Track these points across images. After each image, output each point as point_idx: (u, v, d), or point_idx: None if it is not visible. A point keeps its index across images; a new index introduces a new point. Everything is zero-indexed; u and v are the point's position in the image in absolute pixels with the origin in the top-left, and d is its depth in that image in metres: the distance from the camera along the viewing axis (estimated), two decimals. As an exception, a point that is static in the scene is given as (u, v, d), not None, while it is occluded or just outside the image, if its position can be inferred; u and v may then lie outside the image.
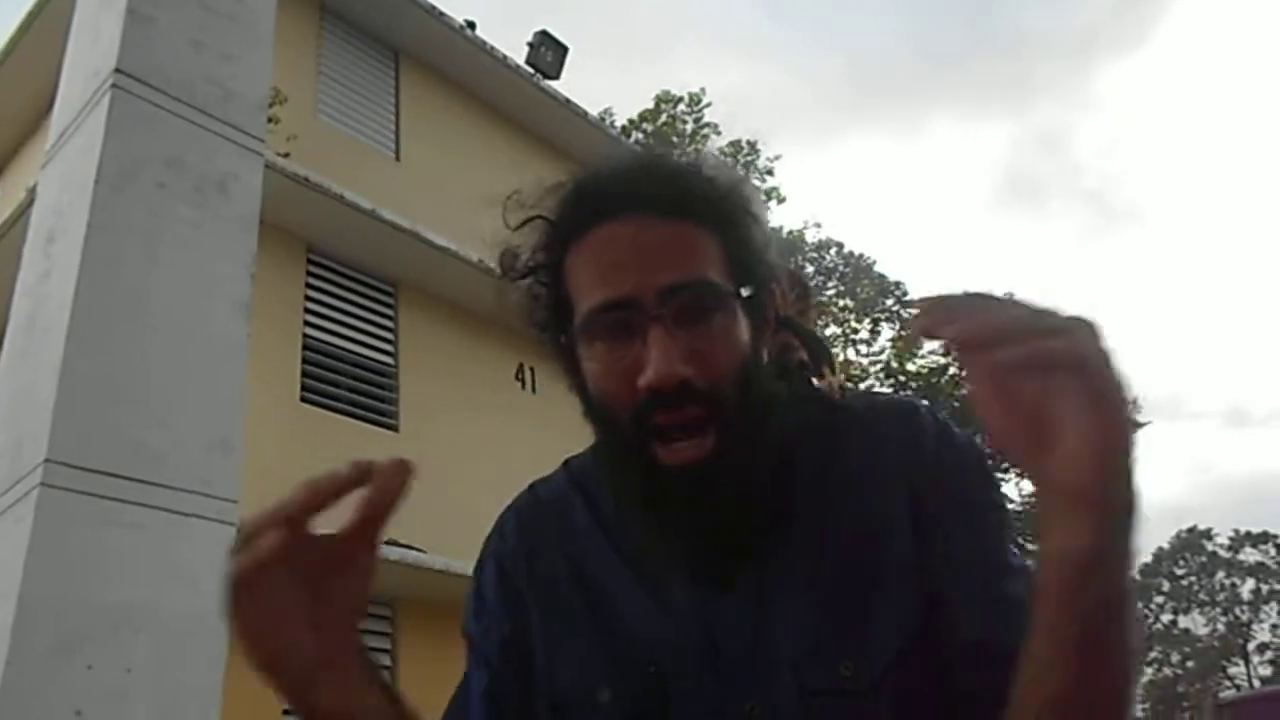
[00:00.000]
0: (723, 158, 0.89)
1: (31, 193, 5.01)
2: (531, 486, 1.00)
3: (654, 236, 0.81)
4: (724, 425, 0.79)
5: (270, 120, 5.46)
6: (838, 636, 0.79)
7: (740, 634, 0.81)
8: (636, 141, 16.98)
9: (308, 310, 6.62)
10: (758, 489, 0.82)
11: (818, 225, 21.80)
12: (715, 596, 0.83)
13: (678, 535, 0.83)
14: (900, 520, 0.82)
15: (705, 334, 0.80)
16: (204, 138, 3.55)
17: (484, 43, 8.68)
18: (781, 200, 20.76)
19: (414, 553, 5.89)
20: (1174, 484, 62.46)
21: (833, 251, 21.15)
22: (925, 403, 0.93)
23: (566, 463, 0.99)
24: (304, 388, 6.34)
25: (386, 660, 6.08)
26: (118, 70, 3.37)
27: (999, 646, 0.72)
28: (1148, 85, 69.41)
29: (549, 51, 9.47)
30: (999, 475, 0.76)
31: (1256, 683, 35.74)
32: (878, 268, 21.07)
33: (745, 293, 0.83)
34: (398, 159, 7.98)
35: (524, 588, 0.92)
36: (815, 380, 0.88)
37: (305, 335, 6.50)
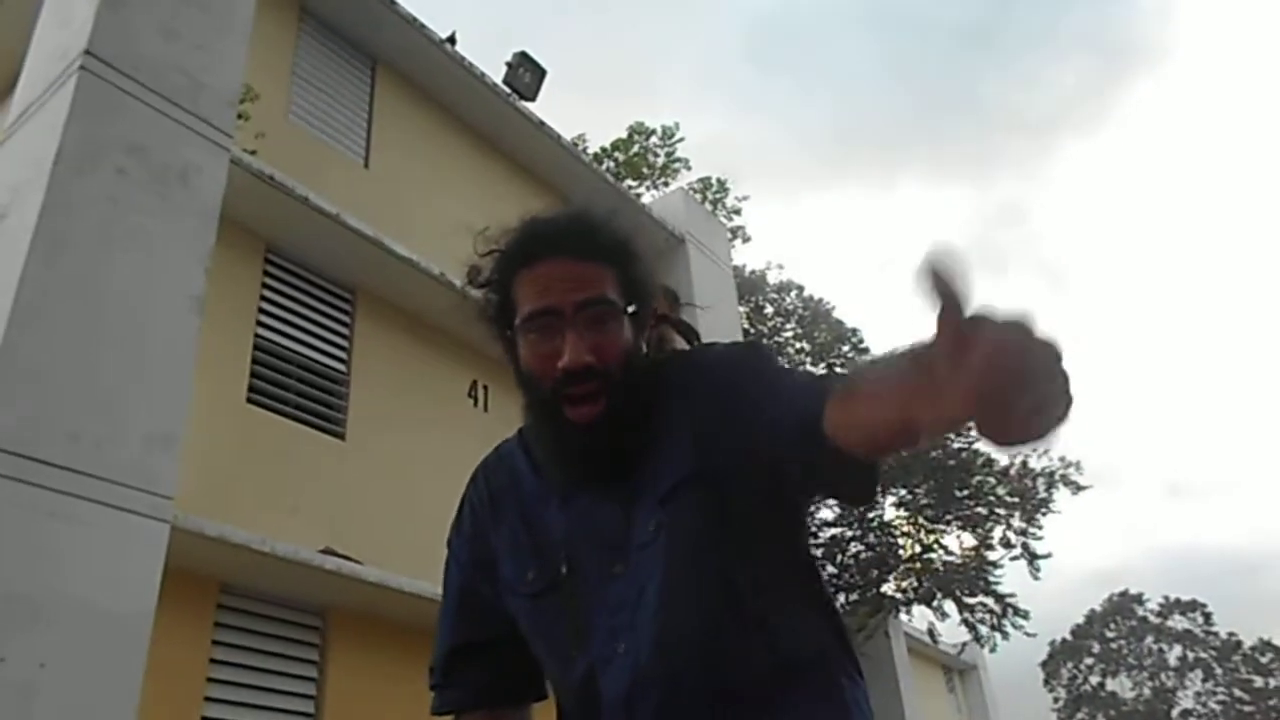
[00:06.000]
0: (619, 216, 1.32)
1: (-14, 169, 4.89)
2: (498, 447, 1.45)
3: (573, 271, 1.23)
4: (611, 395, 1.21)
5: (240, 116, 5.39)
6: (654, 508, 1.22)
7: (614, 524, 1.24)
8: (607, 169, 16.99)
9: (261, 310, 6.51)
10: (632, 434, 1.23)
11: (780, 267, 21.96)
12: (600, 502, 1.26)
13: (577, 464, 1.26)
14: (689, 423, 1.24)
15: (603, 334, 1.22)
16: (170, 127, 3.49)
17: (462, 58, 8.67)
18: (746, 240, 20.89)
19: (349, 563, 5.80)
20: (1109, 549, 63.42)
21: (793, 294, 21.27)
22: (726, 341, 1.40)
23: (520, 429, 1.41)
24: (251, 388, 6.22)
25: (313, 672, 5.95)
26: (87, 52, 3.32)
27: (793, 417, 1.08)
28: (1107, 168, 71.20)
29: (527, 73, 9.49)
30: (762, 355, 1.36)
31: (1177, 749, 36.19)
32: (836, 314, 21.24)
33: (632, 308, 1.26)
34: (366, 166, 7.92)
35: (488, 521, 1.37)
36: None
37: (257, 335, 6.40)
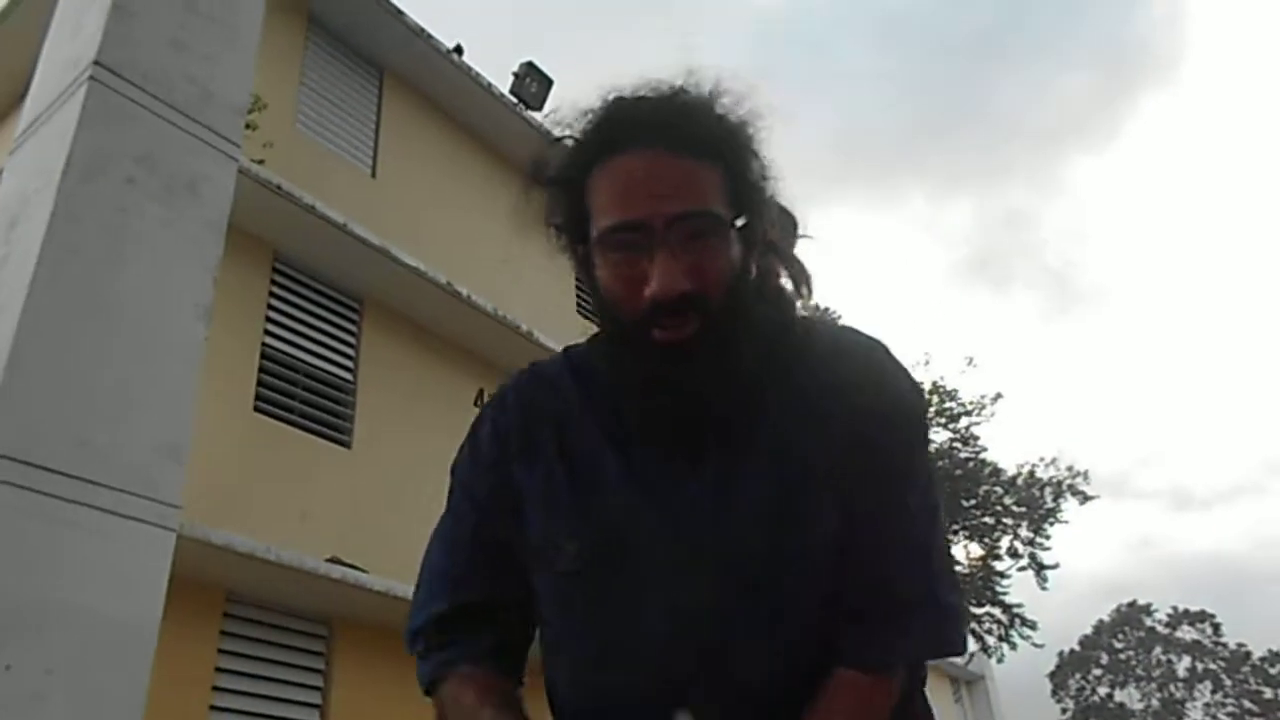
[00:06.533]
0: (734, 93, 1.01)
1: (-4, 178, 4.92)
2: (532, 365, 1.16)
3: (666, 170, 0.94)
4: (708, 316, 0.93)
5: (248, 126, 5.41)
6: (778, 526, 0.97)
7: (701, 509, 0.98)
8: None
9: (269, 319, 6.53)
10: (729, 374, 0.96)
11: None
12: (686, 475, 0.99)
13: (661, 408, 0.98)
14: (839, 446, 0.98)
15: (703, 253, 0.94)
16: (178, 137, 3.51)
17: (469, 68, 8.70)
18: (752, 248, 20.94)
19: (355, 572, 5.80)
20: (1116, 559, 63.23)
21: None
22: (884, 344, 1.08)
23: (566, 350, 1.14)
24: (258, 397, 6.24)
25: (319, 681, 5.94)
26: (96, 63, 3.34)
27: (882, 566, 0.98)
28: (1115, 178, 71.37)
29: (534, 82, 9.51)
30: (929, 419, 1.09)
31: (1186, 761, 35.96)
32: (843, 322, 21.25)
33: (740, 222, 0.97)
34: (373, 176, 7.94)
35: (515, 452, 1.07)
36: (795, 301, 1.17)
37: (264, 344, 6.42)
